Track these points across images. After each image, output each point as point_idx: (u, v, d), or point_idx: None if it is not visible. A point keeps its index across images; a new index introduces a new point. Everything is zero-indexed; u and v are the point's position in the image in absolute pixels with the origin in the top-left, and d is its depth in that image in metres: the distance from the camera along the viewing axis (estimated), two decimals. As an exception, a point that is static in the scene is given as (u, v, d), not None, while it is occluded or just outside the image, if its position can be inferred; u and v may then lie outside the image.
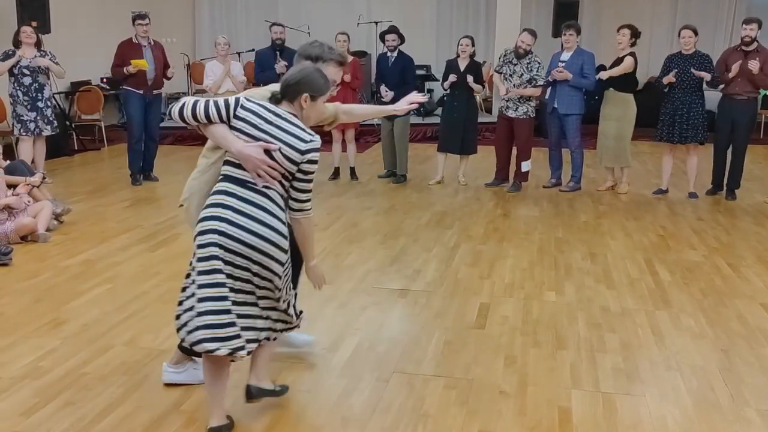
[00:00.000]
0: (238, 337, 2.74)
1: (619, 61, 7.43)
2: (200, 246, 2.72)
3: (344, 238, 5.74)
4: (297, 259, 3.26)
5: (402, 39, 8.03)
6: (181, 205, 3.11)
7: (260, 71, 8.18)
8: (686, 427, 3.04)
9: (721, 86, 7.35)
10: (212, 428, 2.88)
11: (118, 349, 3.70)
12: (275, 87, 2.94)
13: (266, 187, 2.74)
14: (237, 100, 2.79)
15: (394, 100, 7.81)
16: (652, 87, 10.78)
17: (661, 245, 5.75)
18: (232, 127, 2.76)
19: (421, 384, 3.38)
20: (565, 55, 7.61)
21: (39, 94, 7.78)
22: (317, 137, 2.80)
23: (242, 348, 2.76)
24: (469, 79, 7.70)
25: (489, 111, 12.31)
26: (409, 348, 3.78)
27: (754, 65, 6.93)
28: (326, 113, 3.27)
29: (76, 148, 10.08)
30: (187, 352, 3.22)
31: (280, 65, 7.97)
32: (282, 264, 2.78)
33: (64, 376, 3.40)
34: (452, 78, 7.76)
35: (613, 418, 3.09)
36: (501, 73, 7.71)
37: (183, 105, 2.77)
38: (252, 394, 3.04)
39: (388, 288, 4.70)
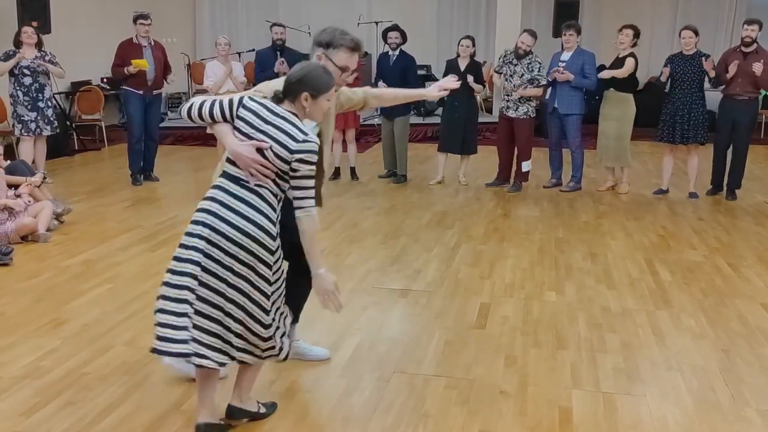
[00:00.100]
0: (185, 342, 2.67)
1: (618, 61, 7.43)
2: (186, 234, 2.76)
3: (345, 238, 5.74)
4: (301, 288, 3.28)
5: (404, 38, 8.02)
6: None
7: (260, 71, 8.18)
8: (687, 427, 3.04)
9: (722, 87, 7.35)
10: (198, 424, 2.86)
11: (118, 349, 3.71)
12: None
13: (258, 186, 2.74)
14: (240, 100, 2.81)
15: None
16: (652, 87, 10.82)
17: (661, 245, 5.75)
18: (235, 126, 2.78)
19: (421, 384, 3.38)
20: (566, 55, 7.61)
21: (39, 95, 7.79)
22: (313, 138, 2.75)
23: (192, 355, 2.67)
24: (470, 79, 7.69)
25: (489, 111, 12.31)
26: (409, 348, 3.78)
27: (758, 68, 6.93)
28: (345, 103, 3.25)
29: (76, 148, 10.08)
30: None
31: (278, 63, 7.97)
32: (269, 266, 2.73)
33: (65, 376, 3.40)
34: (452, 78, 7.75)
35: (613, 418, 3.09)
36: (501, 73, 7.72)
37: (191, 105, 2.86)
38: (230, 413, 2.98)
39: (388, 288, 4.70)
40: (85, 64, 10.75)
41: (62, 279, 4.80)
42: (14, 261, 5.11)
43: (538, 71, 7.48)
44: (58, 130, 8.29)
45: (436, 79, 10.19)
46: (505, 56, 7.68)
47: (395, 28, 8.03)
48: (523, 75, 7.49)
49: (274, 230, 2.75)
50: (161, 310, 2.74)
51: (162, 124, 8.49)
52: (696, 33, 7.23)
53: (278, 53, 8.19)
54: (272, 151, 2.71)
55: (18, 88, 7.69)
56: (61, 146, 9.45)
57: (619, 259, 5.36)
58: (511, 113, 7.63)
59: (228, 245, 2.68)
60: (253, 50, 11.73)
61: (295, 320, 3.53)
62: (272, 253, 2.74)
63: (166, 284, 2.77)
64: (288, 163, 2.71)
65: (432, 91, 3.47)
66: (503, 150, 7.88)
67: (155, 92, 8.05)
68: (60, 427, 2.96)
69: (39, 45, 7.77)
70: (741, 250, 5.66)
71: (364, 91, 3.47)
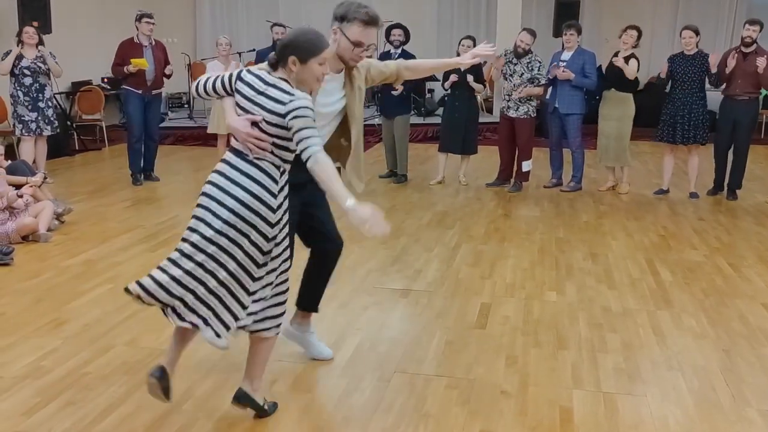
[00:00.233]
0: (171, 295, 2.75)
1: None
2: (196, 206, 2.82)
3: (345, 238, 5.71)
4: (320, 275, 3.37)
5: (407, 36, 8.02)
6: None
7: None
8: (688, 427, 3.04)
9: (723, 86, 7.35)
10: (160, 365, 2.92)
11: (119, 349, 3.71)
12: None
13: (258, 159, 2.77)
14: (238, 73, 2.86)
15: (396, 99, 7.84)
16: (653, 87, 10.81)
17: (662, 245, 5.75)
18: (237, 101, 2.85)
19: (422, 384, 3.37)
20: (566, 55, 7.62)
21: (40, 95, 7.79)
22: (299, 94, 2.73)
23: (173, 311, 2.77)
24: (470, 78, 7.70)
25: (490, 111, 12.30)
26: (410, 348, 3.78)
27: (761, 62, 6.93)
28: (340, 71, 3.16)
29: (77, 148, 10.09)
30: (307, 308, 3.49)
31: None
32: (266, 238, 2.76)
33: (66, 376, 3.40)
34: (453, 78, 7.76)
35: (614, 418, 3.09)
36: (502, 72, 7.72)
37: (198, 82, 2.98)
38: (237, 396, 3.02)
39: (389, 288, 4.70)
40: (85, 64, 10.75)
41: (63, 279, 4.80)
42: (15, 261, 5.11)
43: (538, 70, 7.48)
44: (58, 130, 8.30)
45: (437, 80, 10.24)
46: (504, 56, 7.68)
47: (399, 25, 8.01)
48: (523, 74, 7.49)
49: (274, 202, 2.77)
50: (172, 261, 2.77)
51: (162, 124, 8.49)
52: (697, 33, 7.23)
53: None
54: (266, 122, 2.74)
55: (18, 88, 7.70)
56: (61, 146, 9.46)
57: (619, 259, 5.36)
58: (512, 113, 7.63)
59: (226, 213, 2.72)
60: (254, 50, 11.72)
61: (313, 309, 3.57)
62: (270, 225, 2.76)
63: (179, 250, 2.79)
64: (284, 127, 2.73)
65: (466, 58, 3.37)
66: (504, 150, 7.88)
67: (155, 92, 8.05)
68: (61, 427, 2.96)
69: (40, 45, 7.76)
70: (742, 250, 5.66)
71: (397, 64, 3.40)
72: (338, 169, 3.14)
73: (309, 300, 3.56)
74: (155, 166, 8.25)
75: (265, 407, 3.08)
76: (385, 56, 8.08)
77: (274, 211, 2.77)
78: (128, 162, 8.06)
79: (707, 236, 6.03)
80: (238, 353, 3.60)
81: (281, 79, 2.80)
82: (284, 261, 2.91)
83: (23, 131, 7.77)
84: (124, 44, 7.85)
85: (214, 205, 2.75)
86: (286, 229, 2.90)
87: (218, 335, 2.82)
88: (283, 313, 2.97)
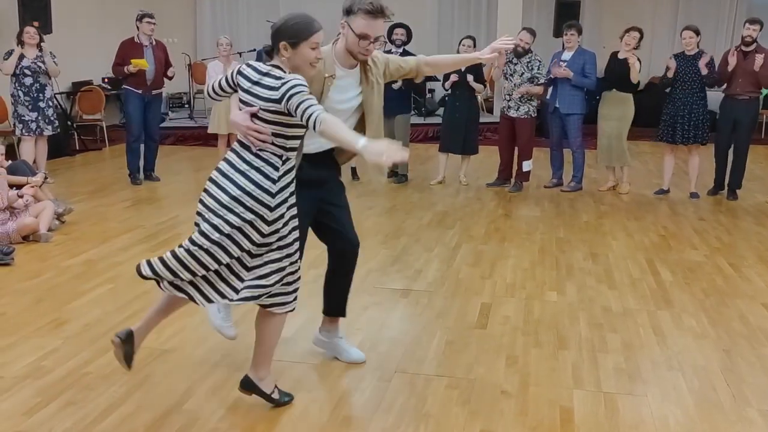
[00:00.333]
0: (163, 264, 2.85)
1: (620, 62, 7.41)
2: (203, 191, 2.92)
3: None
4: (342, 279, 3.45)
5: (409, 36, 8.02)
6: None
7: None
8: (688, 427, 3.04)
9: (722, 86, 7.35)
10: (130, 330, 3.00)
11: (119, 349, 3.70)
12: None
13: (261, 150, 2.80)
14: (238, 68, 2.90)
15: (396, 98, 7.82)
16: (653, 87, 10.83)
17: (662, 245, 5.75)
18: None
19: (422, 384, 3.38)
20: (567, 55, 7.62)
21: (40, 95, 7.79)
22: (289, 76, 2.74)
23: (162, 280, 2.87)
24: (470, 78, 7.70)
25: (491, 111, 12.30)
26: (410, 348, 3.78)
27: (759, 59, 6.93)
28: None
29: (77, 148, 10.09)
30: (333, 313, 3.53)
31: None
32: (266, 222, 2.79)
33: (66, 376, 3.40)
34: (453, 78, 7.76)
35: (614, 418, 3.09)
36: (504, 73, 7.71)
37: (208, 85, 3.08)
38: (243, 383, 3.11)
39: (389, 288, 4.70)
40: (85, 64, 10.75)
41: (63, 279, 4.80)
42: (15, 261, 5.11)
43: (538, 69, 7.48)
44: (59, 130, 8.30)
45: (437, 80, 10.24)
46: (505, 56, 7.68)
47: (401, 25, 8.00)
48: (523, 74, 7.49)
49: (274, 188, 2.79)
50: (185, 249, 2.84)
51: (163, 125, 8.49)
52: (697, 33, 7.23)
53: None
54: (263, 110, 2.77)
55: (19, 88, 7.70)
56: (62, 146, 9.46)
57: (620, 259, 5.36)
58: (512, 113, 7.63)
59: (227, 199, 2.77)
60: (254, 50, 11.72)
61: (340, 314, 3.58)
62: (270, 209, 2.79)
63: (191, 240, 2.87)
64: (283, 113, 2.74)
65: (485, 53, 3.33)
66: (504, 150, 7.88)
67: (155, 92, 8.05)
68: (61, 427, 2.96)
69: (41, 45, 7.77)
70: (742, 250, 5.66)
71: (417, 60, 3.35)
72: (354, 170, 3.15)
73: (334, 305, 3.57)
74: (156, 166, 8.25)
75: (274, 396, 3.11)
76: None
77: (272, 198, 2.79)
78: (126, 161, 8.07)
79: (708, 236, 6.03)
80: (239, 353, 3.61)
81: (275, 66, 2.82)
82: (289, 246, 2.91)
83: (23, 131, 7.77)
84: (124, 44, 7.86)
85: (217, 191, 2.80)
86: (293, 221, 2.91)
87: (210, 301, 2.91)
88: (293, 293, 2.98)
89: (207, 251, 2.79)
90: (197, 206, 2.88)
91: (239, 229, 2.79)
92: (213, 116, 8.00)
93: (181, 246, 2.84)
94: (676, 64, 7.26)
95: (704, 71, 7.11)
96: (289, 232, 2.92)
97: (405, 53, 7.88)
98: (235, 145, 2.89)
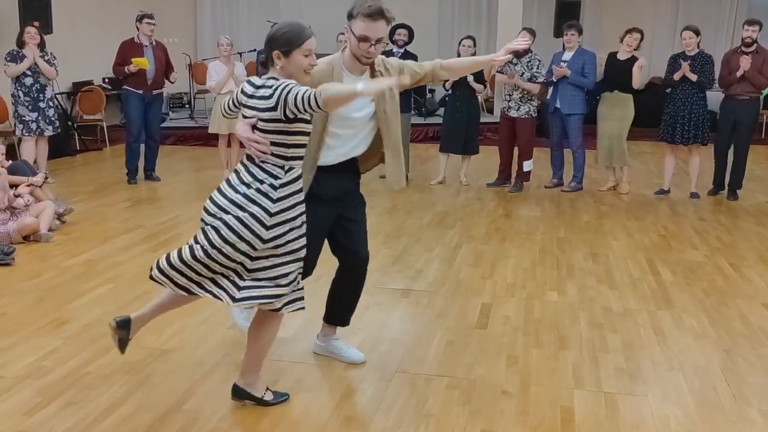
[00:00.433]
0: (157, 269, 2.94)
1: (622, 63, 7.40)
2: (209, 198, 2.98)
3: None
4: (349, 289, 3.48)
5: (411, 37, 8.01)
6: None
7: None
8: (689, 428, 3.04)
9: (724, 88, 7.36)
10: (126, 317, 3.07)
11: (120, 349, 3.70)
12: (332, 57, 3.09)
13: (263, 161, 2.84)
14: (242, 86, 2.94)
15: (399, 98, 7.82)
16: (653, 87, 10.84)
17: (662, 245, 5.75)
18: None
19: (423, 384, 3.38)
20: (567, 55, 7.62)
21: (40, 95, 7.79)
22: (279, 81, 2.76)
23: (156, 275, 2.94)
24: (470, 78, 7.69)
25: (491, 111, 12.30)
26: (411, 348, 3.78)
27: (744, 61, 6.95)
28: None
29: (78, 148, 10.09)
30: (334, 323, 3.57)
31: None
32: (265, 227, 2.78)
33: (67, 376, 3.40)
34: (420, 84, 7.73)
35: (615, 418, 3.09)
36: (503, 73, 7.71)
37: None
38: (233, 391, 3.13)
39: (390, 288, 4.70)
40: (86, 64, 10.76)
41: (64, 279, 4.80)
42: (16, 261, 5.11)
43: (537, 68, 7.48)
44: (59, 131, 8.31)
45: (438, 80, 10.22)
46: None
47: (403, 26, 7.99)
48: (523, 74, 7.49)
49: (275, 194, 2.80)
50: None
51: (163, 125, 8.50)
52: (697, 33, 7.23)
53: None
54: (262, 121, 2.79)
55: (19, 88, 7.70)
56: (62, 146, 9.47)
57: (620, 259, 5.36)
58: (513, 113, 7.63)
59: (228, 205, 2.81)
60: (255, 50, 11.74)
61: (339, 323, 3.60)
62: (266, 227, 2.79)
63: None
64: (281, 120, 2.76)
65: (500, 54, 3.29)
66: (504, 149, 7.89)
67: (156, 92, 8.06)
68: (62, 427, 2.96)
69: (42, 45, 7.78)
70: (742, 250, 5.66)
71: (433, 64, 3.32)
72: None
73: (337, 315, 3.58)
74: (156, 166, 8.26)
75: (266, 398, 3.12)
76: (388, 55, 8.06)
77: (270, 216, 2.79)
78: (125, 160, 8.11)
79: (708, 236, 6.03)
80: (239, 353, 3.61)
81: (270, 78, 2.83)
82: (288, 254, 2.90)
83: (24, 131, 7.77)
84: (125, 44, 7.87)
85: (221, 200, 2.84)
86: (296, 231, 2.90)
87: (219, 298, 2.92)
88: (281, 293, 2.94)
89: (209, 256, 2.81)
90: (202, 214, 2.90)
91: (238, 235, 2.78)
92: (213, 116, 8.00)
93: (187, 249, 2.87)
94: (677, 64, 7.24)
95: (693, 78, 7.10)
96: (286, 243, 2.87)
97: (406, 53, 7.89)
98: (243, 158, 2.94)
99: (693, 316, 4.27)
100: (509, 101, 7.65)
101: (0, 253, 5.06)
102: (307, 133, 2.87)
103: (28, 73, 7.67)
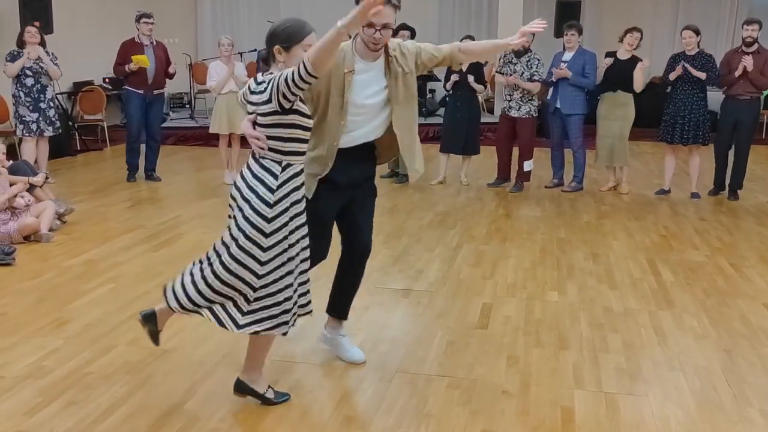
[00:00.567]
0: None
1: (624, 62, 7.40)
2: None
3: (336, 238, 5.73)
4: (350, 279, 3.50)
5: (413, 37, 8.01)
6: None
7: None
8: (689, 428, 3.04)
9: (723, 87, 7.36)
10: (153, 310, 3.14)
11: (121, 349, 3.71)
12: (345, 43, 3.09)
13: (262, 157, 2.87)
14: (248, 84, 2.96)
15: None
16: (654, 87, 10.83)
17: (663, 245, 5.75)
18: None
19: (423, 384, 3.38)
20: (567, 55, 7.62)
21: (41, 95, 7.79)
22: (269, 77, 2.80)
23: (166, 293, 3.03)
24: (470, 79, 7.70)
25: (491, 111, 12.30)
26: (411, 348, 3.78)
27: (748, 61, 6.95)
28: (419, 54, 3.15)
29: (78, 148, 10.10)
30: (334, 313, 3.58)
31: None
32: (262, 233, 2.80)
33: (67, 376, 3.40)
34: (454, 78, 7.77)
35: (616, 418, 3.09)
36: (503, 74, 7.70)
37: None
38: (236, 385, 3.16)
39: (390, 288, 4.70)
40: (86, 64, 10.76)
41: (64, 279, 4.80)
42: (17, 261, 5.11)
43: (536, 67, 7.47)
44: (60, 131, 8.31)
45: (438, 80, 10.24)
46: (504, 56, 7.68)
47: (405, 26, 7.99)
48: (523, 73, 7.49)
49: (271, 198, 2.82)
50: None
51: (164, 125, 8.51)
52: (697, 33, 7.23)
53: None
54: (260, 116, 2.82)
55: (20, 88, 7.70)
56: (63, 146, 9.47)
57: (621, 259, 5.36)
58: (514, 113, 7.63)
59: (233, 212, 2.89)
60: (255, 50, 11.71)
61: (338, 315, 3.60)
62: (267, 220, 2.81)
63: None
64: (276, 111, 2.78)
65: (515, 38, 3.25)
66: (502, 149, 7.89)
67: (156, 92, 8.07)
68: (63, 427, 2.96)
69: (42, 45, 7.78)
70: (743, 250, 5.66)
71: (451, 47, 3.27)
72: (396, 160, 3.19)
73: (336, 305, 3.60)
74: (157, 166, 8.27)
75: (267, 395, 3.14)
76: None
77: (271, 206, 2.81)
78: (126, 158, 8.19)
79: (708, 236, 6.03)
80: (240, 353, 3.61)
81: (270, 73, 2.85)
82: (281, 259, 2.89)
83: (24, 131, 7.78)
84: (125, 44, 7.89)
85: (234, 191, 2.91)
86: (293, 234, 2.90)
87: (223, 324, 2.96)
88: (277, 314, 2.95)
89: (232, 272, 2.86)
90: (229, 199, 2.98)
91: (245, 235, 2.82)
92: (214, 116, 8.01)
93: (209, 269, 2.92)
94: (677, 64, 7.24)
95: (702, 76, 7.10)
96: (289, 246, 2.89)
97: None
98: (250, 158, 2.98)
99: (694, 316, 4.27)
100: (510, 101, 7.65)
101: (1, 253, 5.06)
102: (305, 128, 2.88)
103: (29, 73, 7.67)
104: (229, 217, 2.93)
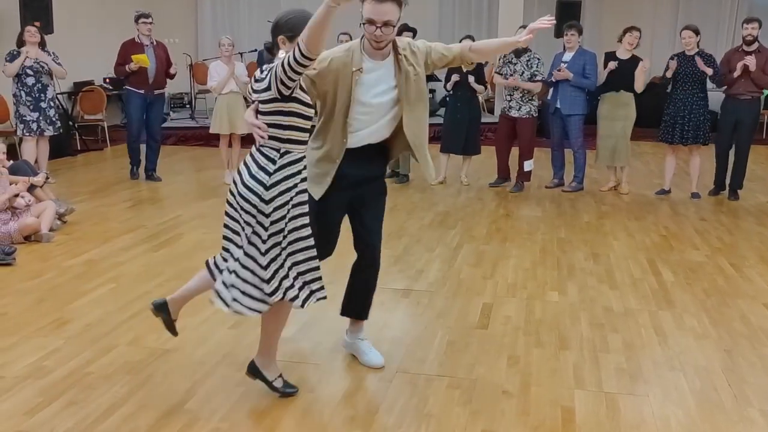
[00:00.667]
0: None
1: (625, 62, 7.40)
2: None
3: (346, 238, 5.72)
4: (366, 282, 3.52)
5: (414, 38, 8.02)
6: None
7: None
8: (689, 428, 3.04)
9: (724, 87, 7.36)
10: (166, 299, 3.26)
11: (121, 349, 3.71)
12: (351, 44, 3.15)
13: (262, 146, 2.92)
14: (255, 74, 3.00)
15: None
16: (654, 87, 10.82)
17: (663, 245, 5.75)
18: None
19: (424, 384, 3.38)
20: (567, 56, 7.62)
21: (42, 95, 7.79)
22: (268, 67, 2.86)
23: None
24: (471, 79, 7.70)
25: (492, 111, 12.30)
26: (412, 348, 3.78)
27: (750, 61, 6.95)
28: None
29: (79, 148, 10.10)
30: (349, 314, 3.60)
31: None
32: (265, 214, 2.87)
33: (68, 376, 3.40)
34: (454, 78, 7.77)
35: (616, 418, 3.09)
36: (502, 74, 7.69)
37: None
38: (249, 367, 3.23)
39: (391, 288, 4.70)
40: (87, 64, 10.76)
41: (65, 279, 4.80)
42: (17, 261, 5.11)
43: (537, 67, 7.47)
44: (60, 131, 8.31)
45: (439, 80, 10.23)
46: (504, 56, 7.68)
47: (407, 28, 8.00)
48: (523, 73, 7.49)
49: (268, 180, 2.88)
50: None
51: (164, 125, 8.52)
52: (696, 33, 7.23)
53: (280, 53, 8.21)
54: (261, 103, 2.87)
55: (21, 88, 7.70)
56: (63, 146, 9.47)
57: (621, 259, 5.36)
58: (514, 113, 7.63)
59: (234, 199, 2.94)
60: (255, 50, 11.74)
61: (355, 315, 3.61)
62: (266, 202, 2.87)
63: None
64: (276, 99, 2.82)
65: (523, 36, 3.21)
66: (502, 149, 7.89)
67: (157, 92, 8.08)
68: (63, 427, 2.96)
69: (42, 45, 7.79)
70: (743, 250, 5.65)
71: (461, 47, 3.23)
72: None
73: (351, 306, 3.60)
74: (157, 166, 8.27)
75: (276, 384, 3.20)
76: None
77: (266, 189, 2.88)
78: (128, 156, 8.29)
79: (709, 236, 6.03)
80: (240, 352, 3.62)
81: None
82: (286, 240, 2.97)
83: (25, 131, 7.77)
84: (126, 44, 7.90)
85: (233, 188, 2.97)
86: (299, 219, 2.96)
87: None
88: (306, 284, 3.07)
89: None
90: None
91: (247, 220, 2.91)
92: (214, 116, 8.01)
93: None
94: (677, 64, 7.25)
95: (710, 72, 7.09)
96: (290, 232, 2.95)
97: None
98: (253, 146, 3.02)
99: (694, 316, 4.27)
100: (510, 101, 7.65)
101: (1, 253, 5.06)
102: (305, 117, 2.91)
103: (30, 72, 7.67)
104: (228, 212, 2.98)
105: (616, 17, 12.16)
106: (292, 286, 3.00)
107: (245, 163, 2.95)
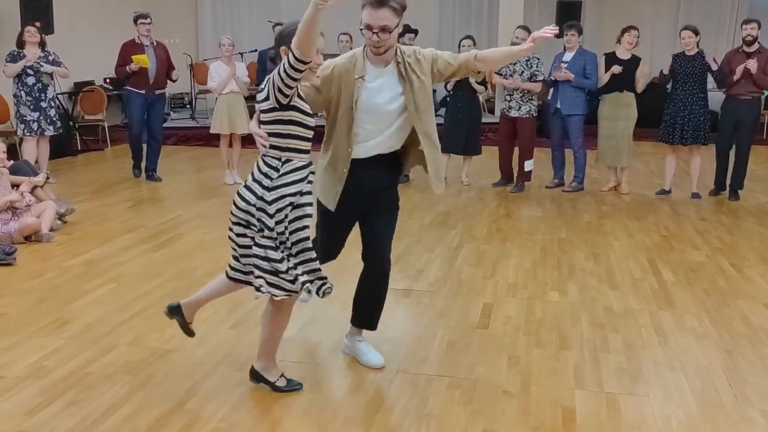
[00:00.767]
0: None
1: (626, 62, 7.39)
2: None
3: (348, 242, 5.72)
4: (374, 293, 3.53)
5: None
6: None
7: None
8: (690, 428, 3.04)
9: (724, 87, 7.36)
10: (180, 303, 3.31)
11: (122, 349, 3.71)
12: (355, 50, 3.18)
13: (264, 155, 2.97)
14: None
15: None
16: (654, 88, 10.82)
17: (664, 245, 5.75)
18: None
19: (424, 384, 3.38)
20: (568, 56, 7.62)
21: (42, 95, 7.80)
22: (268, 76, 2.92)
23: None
24: (471, 79, 7.69)
25: (492, 111, 12.30)
26: (412, 348, 3.78)
27: (752, 64, 6.95)
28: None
29: (79, 148, 10.10)
30: (360, 324, 3.61)
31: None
32: (269, 215, 2.90)
33: (68, 376, 3.40)
34: (454, 78, 7.76)
35: (616, 419, 3.09)
36: (501, 74, 7.68)
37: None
38: (250, 373, 3.28)
39: (391, 288, 4.63)
40: (87, 64, 10.76)
41: (65, 279, 4.80)
42: (17, 261, 5.11)
43: (536, 67, 7.47)
44: (61, 131, 8.31)
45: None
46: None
47: (409, 29, 7.99)
48: (523, 72, 7.49)
49: (271, 184, 2.91)
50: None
51: (165, 125, 8.53)
52: (696, 33, 7.22)
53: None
54: (261, 113, 2.92)
55: (21, 88, 7.71)
56: (64, 146, 9.47)
57: (621, 259, 5.36)
58: (514, 113, 7.63)
59: (242, 203, 2.97)
60: (256, 50, 11.72)
61: (364, 326, 3.62)
62: (268, 203, 2.91)
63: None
64: (275, 108, 2.85)
65: (525, 45, 3.13)
66: (504, 149, 7.89)
67: (158, 92, 8.08)
68: (63, 427, 2.96)
69: (42, 45, 7.79)
70: (744, 250, 5.65)
71: (467, 56, 3.16)
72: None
73: (361, 316, 3.61)
74: (158, 166, 8.27)
75: (278, 384, 3.24)
76: None
77: (268, 192, 2.91)
78: (130, 155, 8.32)
79: (709, 236, 6.03)
80: (241, 353, 3.62)
81: None
82: (289, 245, 2.99)
83: (25, 131, 7.78)
84: (126, 45, 7.90)
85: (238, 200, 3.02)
86: (298, 221, 2.96)
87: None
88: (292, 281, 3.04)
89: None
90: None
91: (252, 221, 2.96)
92: (215, 116, 8.01)
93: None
94: (677, 64, 7.25)
95: (715, 66, 7.09)
96: (290, 233, 2.97)
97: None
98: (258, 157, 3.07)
99: (694, 316, 4.27)
100: (509, 101, 7.65)
101: (1, 253, 5.06)
102: (305, 126, 2.92)
103: (30, 72, 7.67)
104: (232, 225, 3.02)
105: (617, 17, 12.16)
106: (302, 274, 3.02)
107: (251, 173, 2.99)
